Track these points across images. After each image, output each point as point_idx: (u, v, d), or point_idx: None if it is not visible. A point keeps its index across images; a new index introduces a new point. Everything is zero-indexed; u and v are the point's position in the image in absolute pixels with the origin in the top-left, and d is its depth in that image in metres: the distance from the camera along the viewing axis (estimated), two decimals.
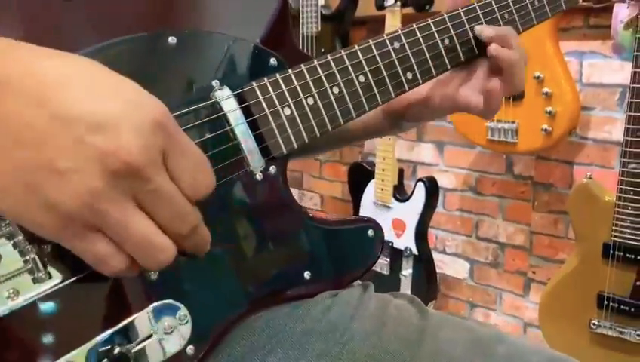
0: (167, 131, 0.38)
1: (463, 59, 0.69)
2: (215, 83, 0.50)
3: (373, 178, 1.91)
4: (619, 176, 1.39)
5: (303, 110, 0.54)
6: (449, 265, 2.02)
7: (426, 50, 0.65)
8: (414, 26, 0.65)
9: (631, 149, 1.37)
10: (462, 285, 2.00)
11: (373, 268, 1.91)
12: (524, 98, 1.53)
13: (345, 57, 0.58)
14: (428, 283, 1.84)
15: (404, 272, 1.86)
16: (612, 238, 1.42)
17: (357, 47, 0.59)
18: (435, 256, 2.03)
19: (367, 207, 1.96)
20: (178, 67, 0.49)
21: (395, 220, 1.88)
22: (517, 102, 1.54)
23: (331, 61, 0.57)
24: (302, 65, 0.55)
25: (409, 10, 1.84)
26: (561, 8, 0.81)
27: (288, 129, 0.53)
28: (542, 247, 1.78)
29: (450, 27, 0.67)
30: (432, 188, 1.80)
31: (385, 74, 0.61)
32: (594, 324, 1.47)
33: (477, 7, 0.70)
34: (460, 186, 1.95)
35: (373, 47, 0.60)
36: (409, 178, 2.06)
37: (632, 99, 1.35)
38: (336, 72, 0.57)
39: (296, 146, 0.54)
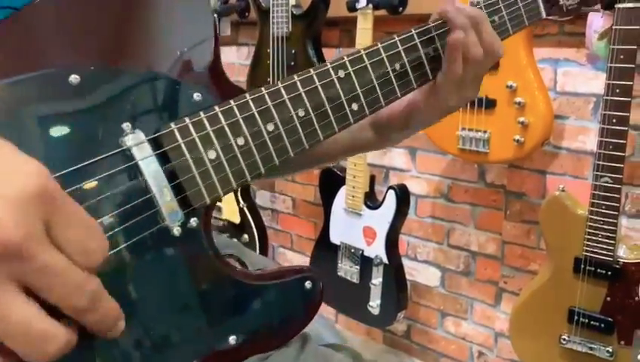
0: (48, 199, 0.33)
1: (415, 86, 0.64)
2: (126, 126, 0.44)
3: (344, 184, 1.86)
4: (591, 190, 1.35)
5: (231, 153, 0.49)
6: (420, 273, 1.98)
7: (374, 78, 0.59)
8: (362, 51, 0.59)
9: (603, 163, 1.33)
10: (433, 293, 1.96)
11: (344, 276, 1.87)
12: (497, 107, 1.49)
13: (282, 90, 0.52)
14: (398, 292, 1.80)
15: (374, 281, 1.81)
16: (583, 253, 1.39)
17: (296, 78, 0.54)
18: (407, 263, 1.99)
19: (338, 214, 1.91)
20: (81, 110, 0.42)
21: (366, 228, 1.83)
22: (489, 110, 1.50)
23: (266, 95, 0.51)
24: (231, 101, 0.49)
25: (383, 12, 1.79)
26: (523, 24, 0.76)
27: (213, 175, 0.47)
28: (514, 257, 1.75)
29: (402, 51, 0.62)
30: (403, 196, 1.76)
31: (327, 106, 0.56)
32: (564, 339, 1.44)
33: (432, 28, 0.65)
34: (432, 193, 1.91)
35: (315, 78, 0.55)
36: (381, 183, 2.02)
37: (606, 111, 1.31)
38: (271, 107, 0.51)
39: (222, 195, 0.48)
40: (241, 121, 0.49)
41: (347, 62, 0.58)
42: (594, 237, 1.37)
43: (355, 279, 1.86)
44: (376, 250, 1.81)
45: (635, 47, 1.26)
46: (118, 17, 0.45)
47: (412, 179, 1.94)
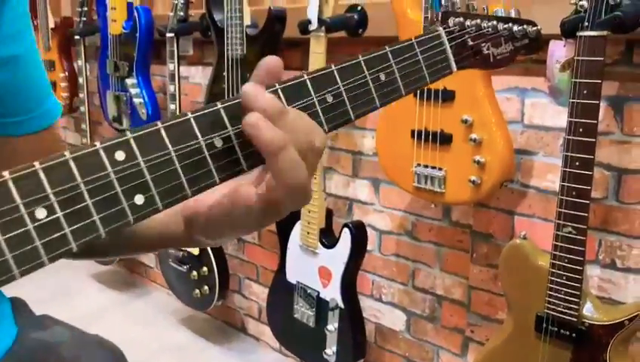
0: None
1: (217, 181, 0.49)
2: None
3: (299, 219, 1.72)
4: (553, 241, 1.20)
5: None
6: (385, 316, 1.83)
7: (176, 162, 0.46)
8: (159, 124, 0.46)
9: (566, 211, 1.17)
10: (398, 338, 1.80)
11: (300, 318, 1.72)
12: (452, 143, 1.34)
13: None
14: (355, 340, 1.65)
15: (329, 326, 1.66)
16: (545, 310, 1.23)
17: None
18: (372, 303, 1.84)
19: (294, 251, 1.76)
20: None
21: (322, 268, 1.68)
22: (444, 146, 1.35)
23: None
24: None
25: (342, 34, 1.66)
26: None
27: None
28: (480, 304, 1.59)
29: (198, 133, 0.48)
30: (359, 235, 1.61)
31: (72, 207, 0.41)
32: None
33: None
34: (395, 229, 1.75)
35: (72, 164, 0.41)
36: (344, 216, 1.87)
37: (568, 152, 1.16)
38: None
39: None
40: None
41: (132, 140, 0.44)
42: (556, 294, 1.21)
43: (311, 323, 1.71)
44: (332, 292, 1.66)
45: (600, 80, 1.11)
46: None
47: (375, 214, 1.79)
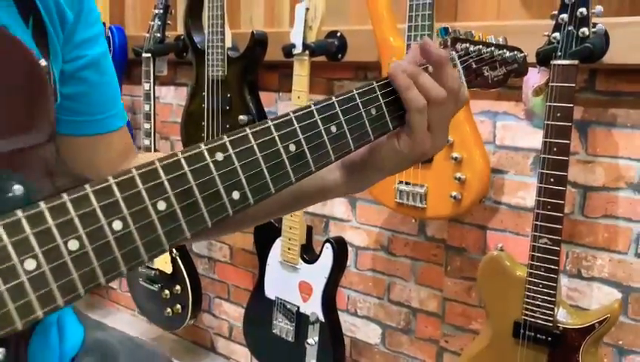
0: None
1: (313, 168, 0.55)
2: None
3: (280, 235, 1.77)
4: (529, 251, 1.29)
5: (59, 259, 0.39)
6: (361, 329, 1.89)
7: (261, 161, 0.51)
8: (247, 130, 0.51)
9: (542, 223, 1.28)
10: (373, 351, 1.86)
11: (279, 333, 1.76)
12: (434, 161, 1.43)
13: (137, 178, 0.43)
14: (335, 353, 1.69)
15: (309, 340, 1.71)
16: (523, 317, 1.32)
17: (158, 165, 0.45)
18: (347, 318, 1.90)
19: (274, 267, 1.80)
20: None
21: (302, 283, 1.73)
22: (426, 164, 1.44)
23: (113, 185, 0.42)
24: (64, 195, 0.40)
25: (322, 58, 1.73)
26: (386, 128, 0.66)
27: (30, 292, 0.38)
28: (454, 315, 1.67)
29: (298, 129, 0.54)
30: (340, 251, 1.67)
31: (198, 196, 0.46)
32: None
33: (335, 103, 0.58)
34: (372, 245, 1.83)
35: (182, 162, 0.46)
36: (321, 233, 1.93)
37: (543, 170, 1.27)
38: (120, 200, 0.42)
39: (41, 316, 0.38)
40: (75, 219, 0.40)
41: (227, 143, 0.49)
42: (533, 301, 1.30)
43: (291, 337, 1.75)
44: (313, 306, 1.71)
45: (572, 104, 1.23)
46: None
47: (352, 230, 1.86)
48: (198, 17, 1.94)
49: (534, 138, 1.47)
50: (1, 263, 0.36)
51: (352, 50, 1.73)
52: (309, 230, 1.77)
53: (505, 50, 0.82)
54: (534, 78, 1.30)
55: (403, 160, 0.65)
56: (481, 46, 0.78)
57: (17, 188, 0.39)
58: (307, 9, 1.62)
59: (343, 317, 1.90)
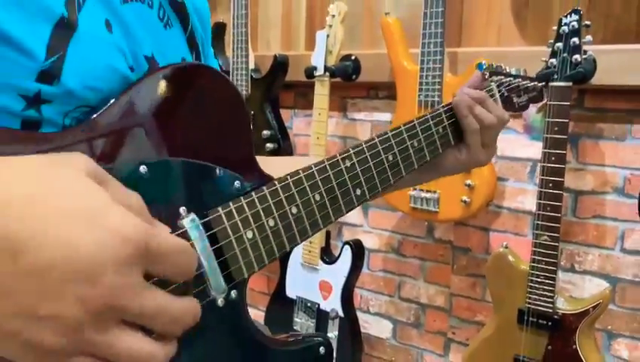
0: (144, 248, 0.38)
1: (404, 174, 0.74)
2: (182, 210, 0.51)
3: None
4: (532, 247, 1.49)
5: (264, 233, 0.56)
6: (373, 325, 2.07)
7: (373, 167, 0.69)
8: (363, 145, 0.69)
9: (542, 222, 1.48)
10: (385, 345, 2.04)
11: (299, 329, 1.93)
12: None
13: (303, 178, 0.61)
14: (353, 345, 1.87)
15: (329, 334, 1.88)
16: (526, 305, 1.52)
17: (314, 168, 0.62)
18: (360, 315, 2.07)
19: (295, 268, 1.97)
20: (149, 195, 0.49)
21: (322, 282, 1.90)
22: None
23: (291, 183, 0.60)
24: (264, 188, 0.57)
25: (337, 79, 1.92)
26: (437, 152, 0.85)
27: (250, 253, 0.55)
28: (461, 309, 1.86)
29: (394, 144, 0.72)
30: (358, 252, 1.85)
31: (337, 192, 0.64)
32: None
33: (416, 124, 0.76)
34: (383, 247, 2.01)
35: (327, 167, 0.64)
36: (335, 238, 2.11)
37: (543, 176, 1.47)
38: (295, 192, 0.60)
39: (257, 270, 0.56)
40: (272, 205, 0.57)
41: (352, 154, 0.67)
42: (535, 291, 1.50)
43: (311, 332, 1.92)
44: (333, 303, 1.88)
45: (567, 120, 1.43)
46: (174, 119, 0.53)
47: (364, 234, 2.04)
48: (221, 40, 2.12)
49: (531, 149, 1.68)
50: (233, 235, 0.54)
51: (365, 71, 1.92)
52: (328, 234, 1.95)
53: (528, 81, 1.02)
54: None
55: (462, 166, 0.85)
56: (511, 78, 0.98)
57: (237, 183, 0.56)
58: (328, 35, 1.81)
59: (357, 315, 2.08)
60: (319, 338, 0.62)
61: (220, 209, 0.53)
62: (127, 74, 0.52)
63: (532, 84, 1.03)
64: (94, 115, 0.49)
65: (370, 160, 0.69)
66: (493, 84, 0.93)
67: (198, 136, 0.55)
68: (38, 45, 0.45)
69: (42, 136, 0.47)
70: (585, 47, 1.42)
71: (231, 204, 0.54)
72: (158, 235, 0.39)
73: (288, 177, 0.60)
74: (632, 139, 1.55)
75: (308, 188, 0.61)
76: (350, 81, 1.94)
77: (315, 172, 0.62)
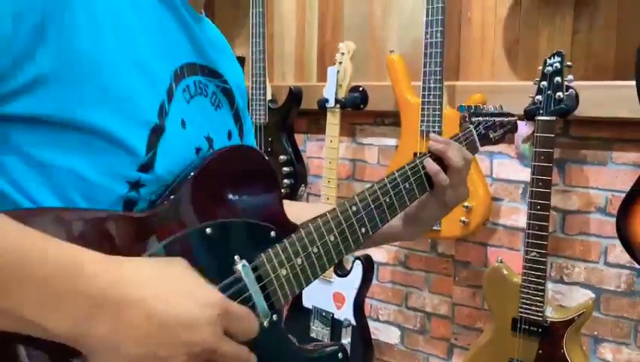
0: (225, 313, 0.60)
1: (399, 211, 0.93)
2: (236, 258, 0.70)
3: None
4: (523, 263, 1.67)
5: (295, 270, 0.76)
6: (382, 332, 2.25)
7: (374, 209, 0.88)
8: (365, 192, 0.88)
9: (532, 240, 1.66)
10: (393, 350, 2.23)
11: (315, 336, 2.12)
12: None
13: (320, 224, 0.80)
14: (364, 350, 2.06)
15: (343, 341, 2.07)
16: (519, 314, 1.69)
17: (329, 215, 0.82)
18: (370, 323, 2.26)
19: None
20: (213, 248, 0.69)
21: (336, 293, 2.09)
22: None
23: (312, 229, 0.79)
24: (293, 236, 0.77)
25: (348, 109, 2.12)
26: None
27: (286, 286, 0.74)
28: (462, 317, 2.05)
29: (389, 188, 0.91)
30: (368, 265, 2.04)
31: (347, 232, 0.84)
32: None
33: (407, 170, 0.95)
34: (391, 261, 2.20)
35: (338, 213, 0.83)
36: None
37: (532, 199, 1.65)
38: (315, 236, 0.79)
39: (291, 298, 0.75)
40: (299, 248, 0.77)
41: (357, 200, 0.86)
42: (526, 301, 1.68)
43: (326, 339, 2.11)
44: (345, 313, 2.07)
45: (552, 150, 1.61)
46: (229, 188, 0.73)
47: (374, 249, 2.23)
48: None
49: (523, 173, 1.86)
50: (273, 273, 0.73)
51: (372, 101, 2.11)
52: None
53: (502, 118, 1.20)
54: (523, 129, 1.69)
55: (442, 209, 0.99)
56: (487, 117, 1.17)
57: (272, 233, 0.76)
58: (338, 71, 2.00)
59: (367, 322, 2.27)
60: (337, 347, 0.81)
61: (262, 255, 0.73)
62: (195, 156, 0.72)
63: (506, 119, 1.21)
64: (173, 195, 0.68)
65: (371, 204, 0.88)
66: (471, 126, 1.11)
67: (245, 199, 0.74)
68: (140, 145, 0.65)
69: (140, 215, 0.66)
70: (568, 84, 1.60)
71: (270, 250, 0.73)
72: (233, 304, 0.62)
73: (310, 224, 0.79)
74: (612, 165, 1.73)
75: (324, 232, 0.80)
76: (359, 110, 2.13)
77: (329, 218, 0.81)
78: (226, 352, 0.60)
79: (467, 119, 1.16)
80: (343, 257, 0.83)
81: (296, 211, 0.84)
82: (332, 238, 0.81)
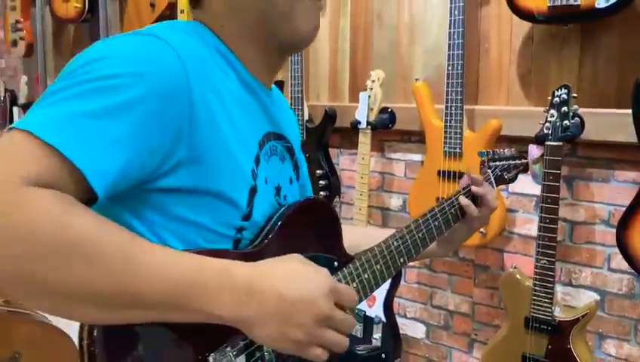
0: (334, 290, 0.83)
1: (429, 244, 1.17)
2: None
3: None
4: (534, 269, 1.90)
5: (375, 275, 1.01)
6: (409, 328, 2.50)
7: (410, 243, 1.13)
8: (404, 230, 1.13)
9: (542, 250, 1.89)
10: (420, 344, 2.48)
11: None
12: None
13: (370, 256, 1.05)
14: (394, 344, 2.31)
15: (374, 336, 2.32)
16: (531, 313, 1.93)
17: (376, 249, 1.07)
18: (398, 319, 2.51)
19: None
20: None
21: None
22: None
23: (364, 260, 1.04)
24: (350, 265, 1.02)
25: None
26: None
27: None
28: (482, 314, 2.29)
29: (422, 225, 1.16)
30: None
31: (389, 262, 1.09)
32: None
33: (436, 211, 1.20)
34: (417, 264, 2.44)
35: (383, 247, 1.08)
36: None
37: (542, 214, 1.88)
38: (367, 266, 1.04)
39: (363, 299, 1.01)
40: (354, 275, 1.02)
41: (397, 236, 1.11)
42: (537, 303, 1.91)
43: (359, 334, 2.37)
44: (376, 311, 2.32)
45: (559, 171, 1.84)
46: (307, 229, 0.98)
47: None
48: None
49: (536, 187, 2.08)
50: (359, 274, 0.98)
51: (399, 121, 2.35)
52: None
53: (516, 160, 1.44)
54: (534, 151, 1.91)
55: (467, 233, 1.26)
56: (504, 161, 1.40)
57: (335, 263, 1.01)
58: (369, 96, 2.24)
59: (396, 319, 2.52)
60: (380, 349, 1.07)
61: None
62: (276, 204, 0.98)
63: (519, 161, 1.45)
64: (269, 235, 0.94)
65: (408, 239, 1.13)
66: (489, 170, 1.35)
67: (318, 237, 1.00)
68: (243, 202, 0.90)
69: (249, 251, 0.92)
70: (574, 112, 1.83)
71: (334, 276, 0.99)
72: (338, 284, 0.86)
73: (362, 256, 1.04)
74: (614, 182, 1.95)
75: (373, 262, 1.05)
76: (387, 129, 2.37)
77: (377, 251, 1.06)
78: (338, 318, 0.82)
79: (486, 163, 1.40)
80: (383, 282, 1.08)
81: (353, 238, 1.09)
82: (378, 267, 1.06)
